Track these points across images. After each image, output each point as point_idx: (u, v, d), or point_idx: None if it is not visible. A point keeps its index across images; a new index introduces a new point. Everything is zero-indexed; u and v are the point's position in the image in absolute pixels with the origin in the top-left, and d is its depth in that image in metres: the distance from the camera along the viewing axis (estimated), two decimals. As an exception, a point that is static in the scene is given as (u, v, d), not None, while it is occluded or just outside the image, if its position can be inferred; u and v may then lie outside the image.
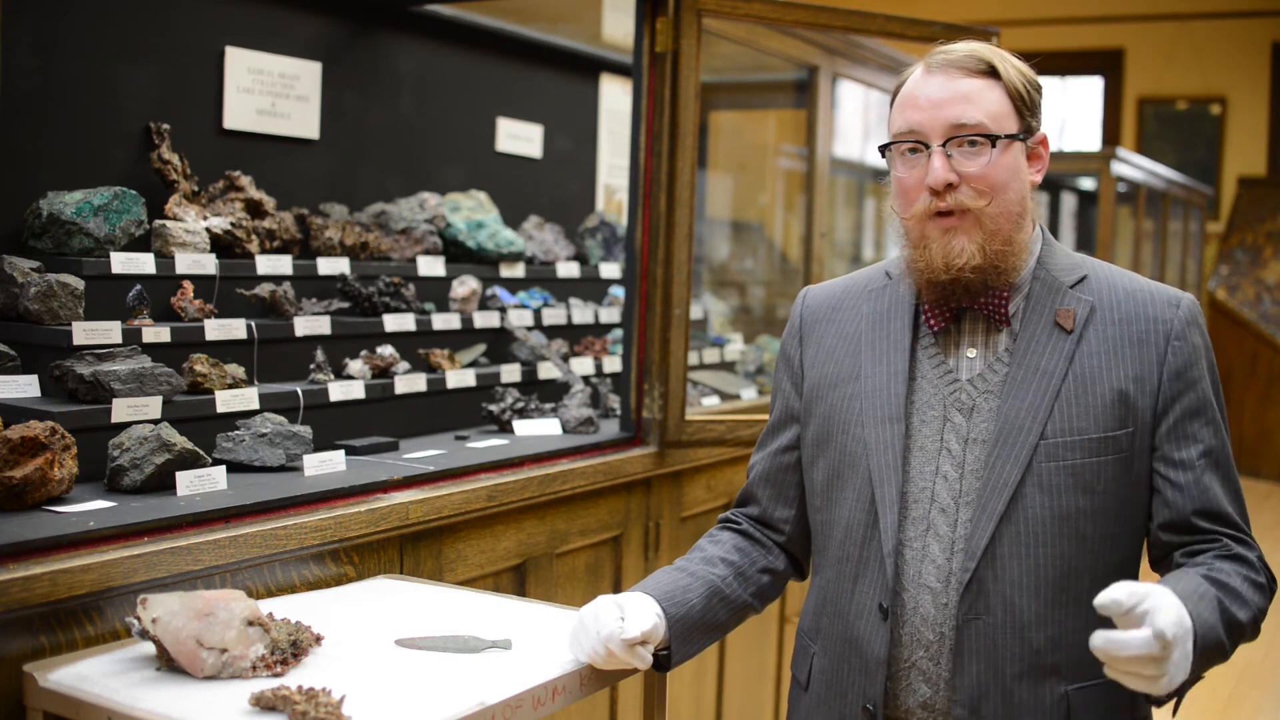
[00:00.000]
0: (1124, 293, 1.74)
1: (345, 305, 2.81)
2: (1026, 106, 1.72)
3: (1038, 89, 1.75)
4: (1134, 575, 1.74)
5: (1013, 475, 1.66)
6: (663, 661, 1.78)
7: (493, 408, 2.89)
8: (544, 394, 3.10)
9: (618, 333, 3.44)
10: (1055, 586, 1.66)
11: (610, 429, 2.96)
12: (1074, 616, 1.67)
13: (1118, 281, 1.76)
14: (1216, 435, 1.72)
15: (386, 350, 2.79)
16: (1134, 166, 7.63)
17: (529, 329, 3.20)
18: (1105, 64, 11.18)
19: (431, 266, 3.08)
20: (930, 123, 1.69)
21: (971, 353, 1.75)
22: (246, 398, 2.41)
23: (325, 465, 2.33)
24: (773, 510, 1.93)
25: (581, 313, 3.39)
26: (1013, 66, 1.72)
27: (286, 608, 1.89)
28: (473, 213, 3.31)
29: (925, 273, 1.72)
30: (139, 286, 2.38)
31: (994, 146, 1.68)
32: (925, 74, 1.73)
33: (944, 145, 1.68)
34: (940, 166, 1.67)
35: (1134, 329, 1.71)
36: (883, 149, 1.76)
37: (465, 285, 3.05)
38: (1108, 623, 1.49)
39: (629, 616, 1.70)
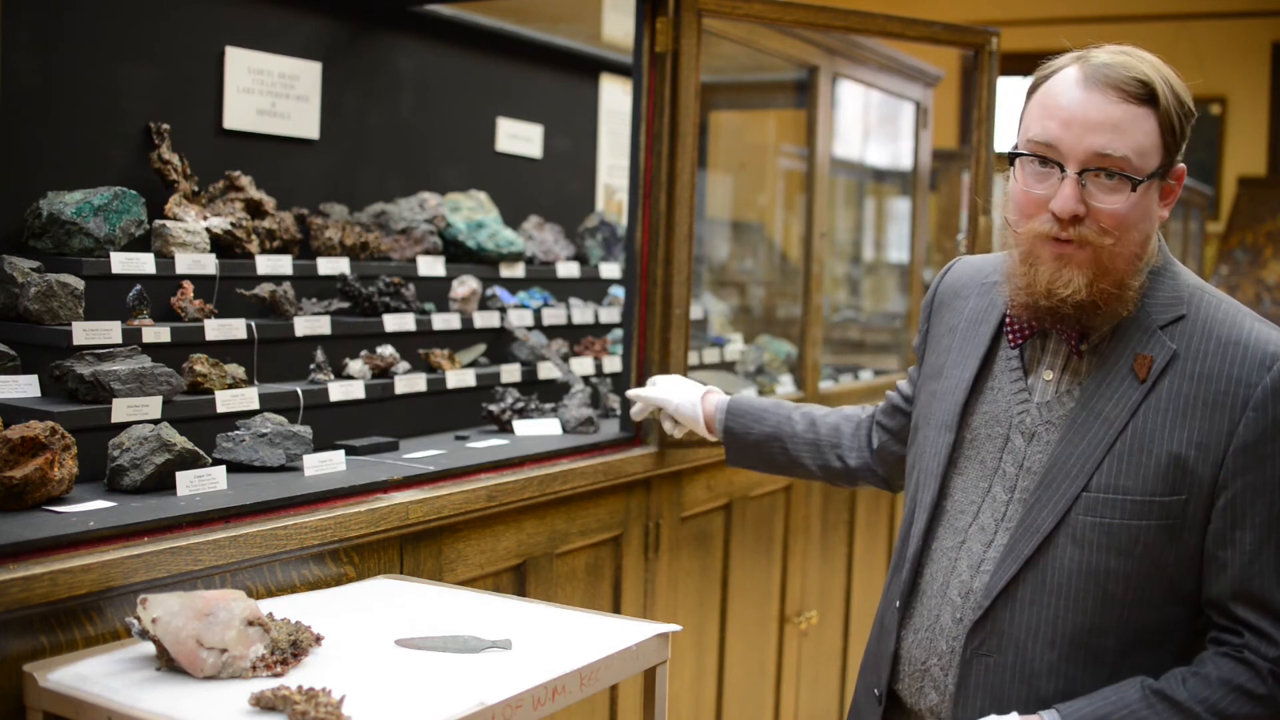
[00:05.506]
0: (1216, 343, 1.58)
1: (345, 305, 2.81)
2: (1175, 140, 1.59)
3: (1190, 117, 1.61)
4: (1163, 642, 1.63)
5: (1047, 522, 1.60)
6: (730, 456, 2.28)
7: (493, 408, 2.89)
8: (544, 394, 3.10)
9: (618, 333, 3.44)
10: (1073, 641, 1.59)
11: (610, 429, 2.95)
12: (1091, 675, 1.59)
13: (1215, 328, 1.60)
14: (1277, 519, 1.56)
15: (386, 350, 2.79)
16: (1134, 166, 7.61)
17: (529, 329, 3.20)
18: (1105, 64, 11.16)
19: (431, 266, 3.08)
20: (1073, 145, 1.55)
21: (1049, 375, 1.67)
22: (246, 398, 2.41)
23: (325, 465, 2.33)
24: (873, 428, 2.10)
25: (581, 313, 3.39)
26: (1172, 94, 1.58)
27: (286, 608, 1.89)
28: (473, 213, 3.31)
29: (1024, 291, 1.62)
30: (139, 286, 2.37)
31: (1134, 190, 1.56)
32: (1081, 85, 1.56)
33: (1080, 174, 1.55)
34: (1071, 195, 1.55)
35: (1212, 388, 1.56)
36: (1010, 154, 1.63)
37: (465, 285, 3.05)
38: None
39: (681, 423, 2.38)
